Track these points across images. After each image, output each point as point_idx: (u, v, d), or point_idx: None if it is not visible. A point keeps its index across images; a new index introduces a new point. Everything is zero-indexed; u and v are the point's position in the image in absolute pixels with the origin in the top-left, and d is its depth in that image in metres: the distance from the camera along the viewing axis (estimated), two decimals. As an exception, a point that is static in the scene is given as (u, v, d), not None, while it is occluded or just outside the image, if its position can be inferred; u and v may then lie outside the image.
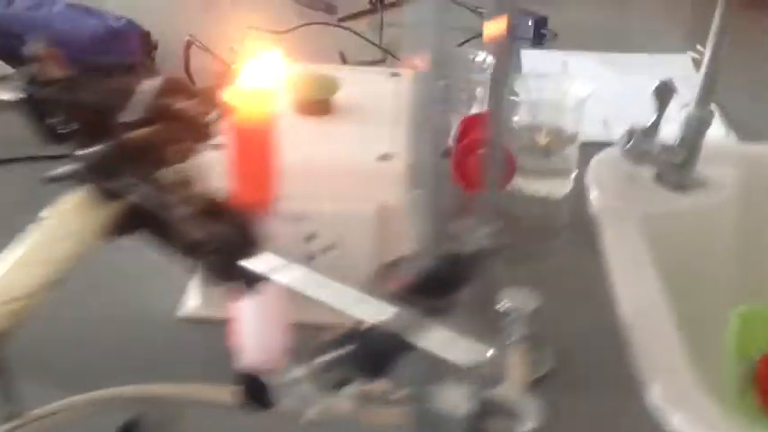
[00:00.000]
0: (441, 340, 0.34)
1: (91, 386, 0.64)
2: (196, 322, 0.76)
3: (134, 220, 0.41)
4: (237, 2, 1.46)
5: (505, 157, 0.95)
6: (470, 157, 0.95)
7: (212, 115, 0.43)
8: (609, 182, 0.97)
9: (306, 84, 0.79)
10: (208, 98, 0.44)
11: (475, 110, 1.04)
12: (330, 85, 0.80)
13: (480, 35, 1.32)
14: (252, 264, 0.39)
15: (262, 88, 0.51)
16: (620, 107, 1.16)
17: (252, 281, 0.40)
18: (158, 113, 0.42)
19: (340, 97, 0.81)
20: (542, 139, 0.97)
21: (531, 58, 1.30)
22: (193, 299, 0.77)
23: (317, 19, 1.41)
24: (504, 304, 0.70)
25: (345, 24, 1.38)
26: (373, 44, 1.29)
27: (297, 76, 0.80)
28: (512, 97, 0.96)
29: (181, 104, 0.43)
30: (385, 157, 0.73)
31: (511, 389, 0.58)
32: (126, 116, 0.42)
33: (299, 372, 0.28)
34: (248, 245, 0.39)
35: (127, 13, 1.23)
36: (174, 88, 0.44)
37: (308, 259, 0.74)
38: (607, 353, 0.74)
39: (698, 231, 0.95)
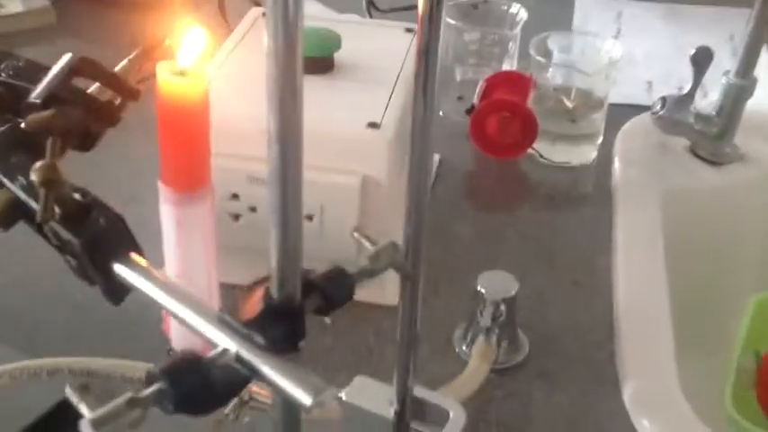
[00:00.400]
0: (284, 375, 0.32)
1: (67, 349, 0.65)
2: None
3: (15, 213, 0.40)
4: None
5: (527, 119, 0.91)
6: (490, 118, 0.92)
7: (120, 99, 0.42)
8: (637, 151, 0.92)
9: (308, 42, 0.76)
10: (118, 81, 0.42)
11: (506, 65, 1.00)
12: (330, 43, 0.77)
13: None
14: (120, 269, 0.38)
15: (193, 67, 0.49)
16: (669, 68, 1.09)
17: (115, 288, 0.39)
18: (64, 95, 0.41)
19: (345, 54, 0.78)
20: (569, 103, 0.92)
21: (584, 6, 1.23)
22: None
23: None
24: (479, 287, 0.67)
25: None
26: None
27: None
28: (538, 57, 0.91)
29: (89, 87, 0.41)
30: (373, 126, 0.70)
31: (445, 392, 0.56)
32: (33, 96, 0.41)
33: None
34: (116, 248, 0.38)
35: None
36: (84, 69, 0.42)
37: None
38: (594, 342, 0.71)
39: (728, 209, 0.90)
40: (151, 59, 0.44)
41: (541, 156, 0.93)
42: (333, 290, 0.36)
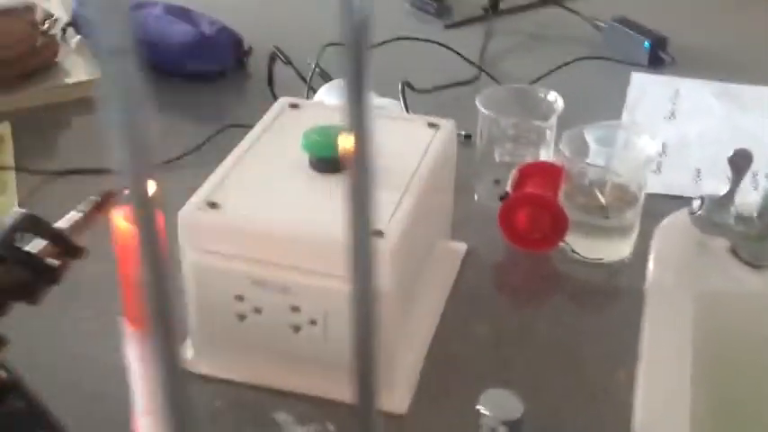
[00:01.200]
0: None
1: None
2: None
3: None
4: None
5: (557, 215, 0.88)
6: (519, 211, 0.90)
7: (64, 258, 0.42)
8: (674, 250, 0.88)
9: (319, 141, 0.76)
10: (63, 239, 0.42)
11: (543, 151, 0.97)
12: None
13: (555, 70, 1.22)
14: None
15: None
16: (721, 153, 1.04)
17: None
18: (7, 254, 0.41)
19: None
20: (603, 199, 0.89)
21: (641, 82, 1.19)
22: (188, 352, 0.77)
23: (425, 22, 1.37)
24: (482, 409, 0.65)
25: (448, 33, 1.33)
26: (467, 60, 1.23)
27: (312, 132, 0.77)
28: (568, 153, 0.88)
29: (31, 246, 0.42)
30: (377, 234, 0.69)
31: None
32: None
33: None
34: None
35: (225, 17, 1.23)
36: (28, 226, 0.42)
37: (294, 330, 0.72)
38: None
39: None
40: (103, 212, 0.44)
41: (573, 250, 0.90)
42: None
